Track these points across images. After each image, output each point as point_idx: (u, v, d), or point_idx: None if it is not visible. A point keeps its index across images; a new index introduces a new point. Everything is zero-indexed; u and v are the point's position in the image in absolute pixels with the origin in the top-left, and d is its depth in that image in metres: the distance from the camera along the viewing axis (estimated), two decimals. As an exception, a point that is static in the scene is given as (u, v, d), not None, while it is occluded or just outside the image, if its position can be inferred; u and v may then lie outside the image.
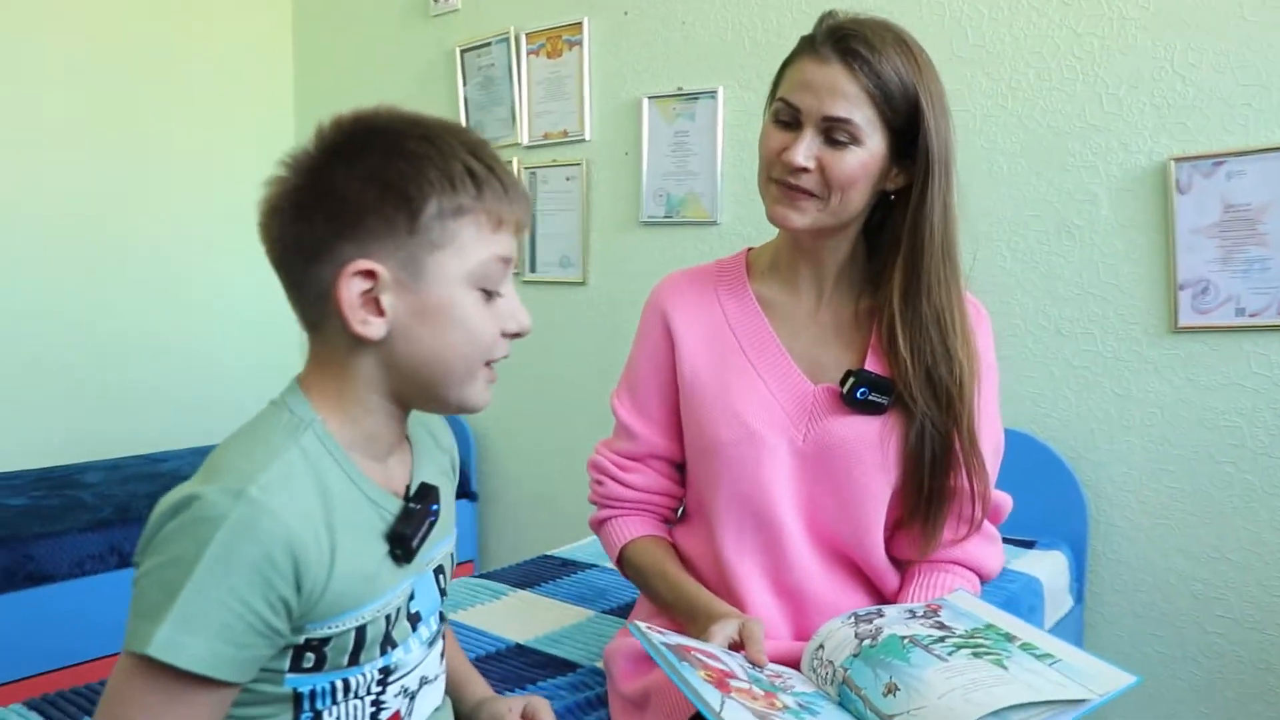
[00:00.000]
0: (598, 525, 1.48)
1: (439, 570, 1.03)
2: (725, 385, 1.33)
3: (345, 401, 0.91)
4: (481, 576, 2.06)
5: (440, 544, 1.02)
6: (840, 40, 1.20)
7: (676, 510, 1.47)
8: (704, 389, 1.35)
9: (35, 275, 3.27)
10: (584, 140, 3.11)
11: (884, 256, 1.29)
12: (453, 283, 0.88)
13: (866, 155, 1.21)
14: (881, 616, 1.17)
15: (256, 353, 3.80)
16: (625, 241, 3.05)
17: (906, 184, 1.26)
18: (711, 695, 0.95)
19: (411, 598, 0.96)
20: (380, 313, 0.87)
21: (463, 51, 3.38)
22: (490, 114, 3.34)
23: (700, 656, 1.07)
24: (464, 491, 3.24)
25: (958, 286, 1.26)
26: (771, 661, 1.16)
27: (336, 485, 0.88)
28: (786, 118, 1.24)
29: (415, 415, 1.04)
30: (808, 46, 1.24)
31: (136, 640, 0.78)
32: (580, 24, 3.05)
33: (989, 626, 1.14)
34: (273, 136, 3.88)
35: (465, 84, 3.40)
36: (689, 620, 1.28)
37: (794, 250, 1.35)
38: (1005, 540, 1.56)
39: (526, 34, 3.20)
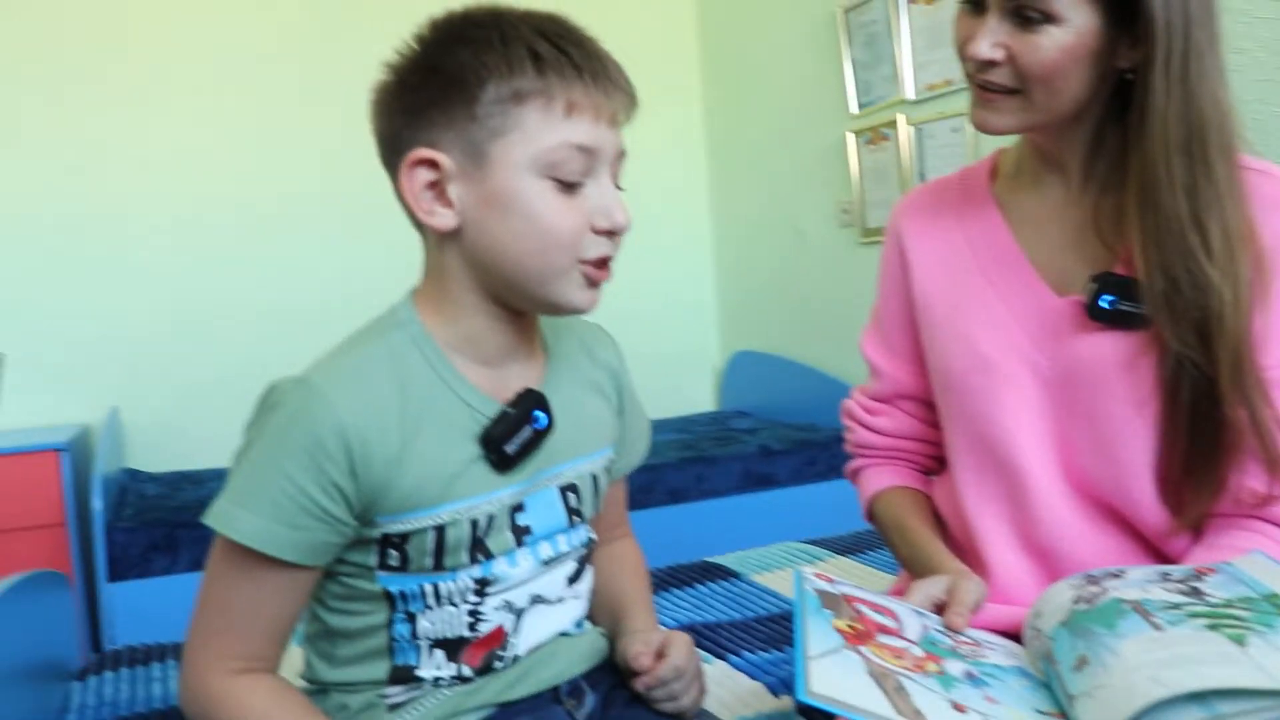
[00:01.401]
0: (851, 476, 1.33)
1: (570, 488, 0.97)
2: (958, 307, 1.14)
3: (443, 302, 0.90)
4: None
5: (572, 461, 0.97)
6: None
7: (936, 457, 1.28)
8: (936, 314, 1.17)
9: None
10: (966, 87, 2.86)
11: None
12: (518, 170, 0.84)
13: (1069, 34, 0.97)
14: (1117, 578, 0.93)
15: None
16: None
17: (1145, 58, 0.98)
18: (818, 643, 0.81)
19: (521, 510, 0.92)
20: (449, 204, 0.85)
21: (845, 11, 3.26)
22: (875, 72, 3.19)
23: (867, 610, 0.92)
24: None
25: (1215, 189, 0.97)
26: (1006, 633, 0.98)
27: (421, 383, 0.87)
28: None
29: (567, 325, 1.02)
30: None
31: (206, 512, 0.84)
32: (956, -41, 2.82)
33: (1271, 597, 0.87)
34: (684, 115, 4.07)
35: (850, 44, 3.27)
36: (919, 579, 1.11)
37: (1031, 144, 1.12)
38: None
39: (904, -19, 3.02)
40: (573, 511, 0.97)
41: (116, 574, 2.46)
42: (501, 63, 0.83)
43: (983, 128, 1.06)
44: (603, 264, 0.88)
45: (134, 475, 3.14)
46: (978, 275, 1.13)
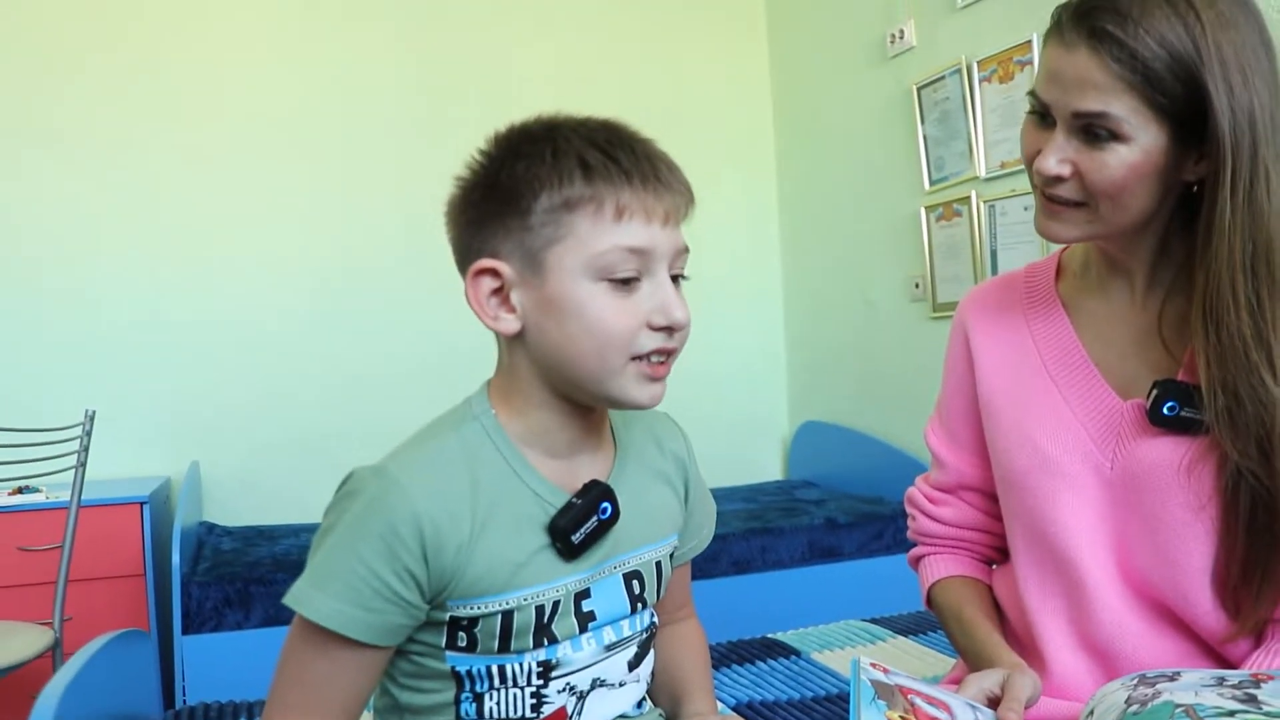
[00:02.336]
0: (913, 563, 1.35)
1: (634, 575, 1.00)
2: (1022, 406, 1.16)
3: (513, 397, 0.95)
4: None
5: (637, 550, 1.00)
6: (1086, 16, 0.98)
7: (998, 548, 1.29)
8: (1000, 411, 1.18)
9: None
10: (1040, 165, 2.87)
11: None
12: (572, 274, 0.87)
13: (1136, 153, 0.98)
14: (1171, 680, 0.93)
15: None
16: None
17: (1212, 172, 0.99)
18: None
19: (586, 596, 0.95)
20: (512, 309, 0.90)
21: (919, 88, 3.30)
22: (948, 149, 3.22)
23: (921, 702, 0.93)
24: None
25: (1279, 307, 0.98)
26: None
27: (493, 474, 0.91)
28: (1040, 109, 1.05)
29: (636, 415, 1.05)
30: (1054, 27, 1.03)
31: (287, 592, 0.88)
32: (1029, 42, 2.85)
33: (1333, 710, 0.87)
34: (758, 186, 4.17)
35: (923, 121, 3.31)
36: (973, 670, 1.12)
37: (1098, 248, 1.14)
38: None
39: (978, 61, 3.05)
40: (636, 598, 1.00)
41: (190, 627, 2.54)
42: (552, 174, 0.87)
43: (1049, 237, 1.08)
44: (661, 360, 0.91)
45: (210, 528, 3.22)
46: (1043, 376, 1.15)
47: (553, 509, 0.92)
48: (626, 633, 0.99)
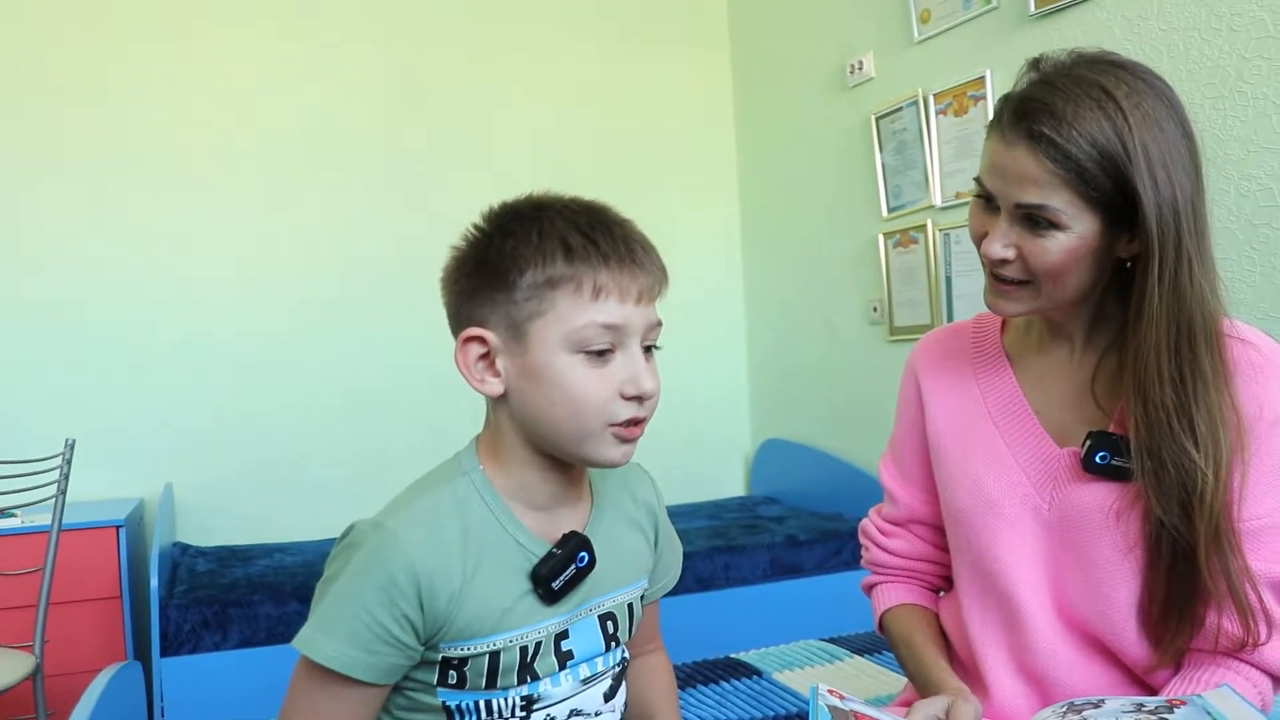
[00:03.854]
0: (866, 590, 1.44)
1: (609, 616, 1.09)
2: (968, 449, 1.26)
3: (499, 453, 1.04)
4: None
5: (611, 593, 1.09)
6: (1024, 117, 1.07)
7: (946, 577, 1.39)
8: (947, 453, 1.28)
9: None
10: (992, 196, 2.99)
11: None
12: (551, 347, 0.96)
13: (1073, 239, 1.08)
14: (1096, 707, 1.03)
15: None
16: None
17: (1141, 252, 1.09)
18: None
19: (565, 637, 1.04)
20: (497, 373, 0.99)
21: (878, 119, 3.42)
22: (905, 178, 3.33)
23: None
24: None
25: (1202, 380, 1.07)
26: None
27: (481, 526, 1.00)
28: (985, 195, 1.15)
29: (614, 470, 1.13)
30: (995, 122, 1.13)
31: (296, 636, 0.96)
32: (983, 78, 2.97)
33: (1235, 733, 0.96)
34: (721, 209, 4.29)
35: (882, 150, 3.42)
36: (921, 694, 1.22)
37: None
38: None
39: (934, 94, 3.17)
40: (610, 637, 1.09)
41: (169, 649, 2.58)
42: (537, 255, 0.96)
43: (999, 313, 1.19)
44: (632, 424, 0.99)
45: (184, 549, 3.27)
46: (988, 423, 1.25)
47: (535, 558, 1.01)
48: (601, 668, 1.09)
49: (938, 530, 1.36)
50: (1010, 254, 1.12)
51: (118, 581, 2.86)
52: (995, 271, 1.15)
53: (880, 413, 3.40)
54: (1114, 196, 1.05)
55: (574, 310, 0.96)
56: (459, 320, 1.01)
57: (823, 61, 3.73)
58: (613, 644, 1.09)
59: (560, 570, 1.01)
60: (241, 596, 2.68)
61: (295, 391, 3.62)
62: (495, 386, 0.99)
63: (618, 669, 1.12)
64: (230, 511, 3.53)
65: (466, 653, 0.98)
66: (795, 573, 3.16)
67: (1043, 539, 1.19)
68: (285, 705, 0.99)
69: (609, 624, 1.09)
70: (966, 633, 1.25)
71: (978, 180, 1.15)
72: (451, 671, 0.99)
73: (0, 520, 2.85)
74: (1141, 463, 1.08)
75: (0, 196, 3.32)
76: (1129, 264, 1.13)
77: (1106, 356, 1.19)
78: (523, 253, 0.96)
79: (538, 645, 1.02)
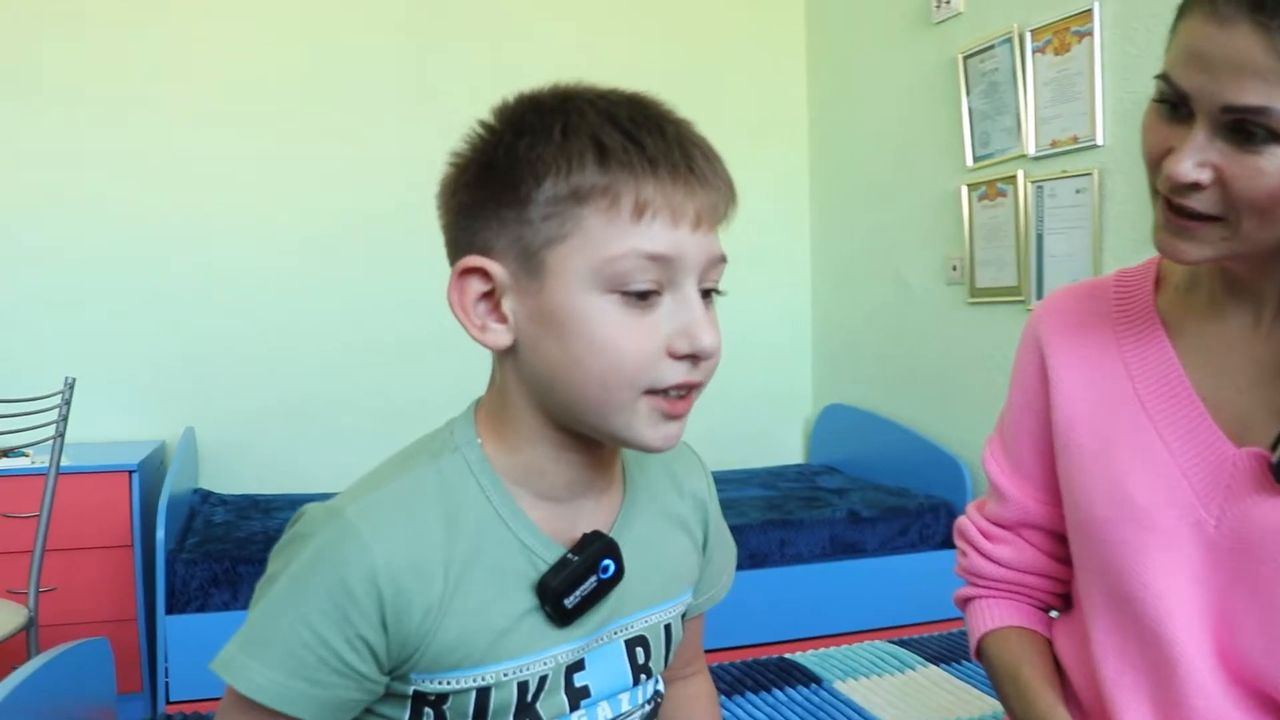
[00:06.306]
0: (960, 604, 1.18)
1: (638, 641, 0.84)
2: (1108, 443, 0.98)
3: (503, 426, 0.78)
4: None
5: (643, 611, 0.84)
6: None
7: (1062, 594, 1.12)
8: (1079, 446, 1.00)
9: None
10: (1095, 146, 2.68)
11: None
12: (577, 282, 0.70)
13: None
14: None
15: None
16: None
17: None
18: None
19: (580, 668, 0.79)
20: (503, 319, 0.74)
21: (965, 58, 3.10)
22: (995, 124, 3.03)
23: None
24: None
25: None
26: None
27: (474, 519, 0.75)
28: (1172, 99, 0.84)
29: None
30: None
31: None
32: (1090, 11, 2.64)
33: None
34: (789, 155, 4.00)
35: (969, 93, 3.11)
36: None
37: (1218, 264, 0.95)
38: None
39: (1031, 30, 2.85)
40: (639, 669, 0.84)
41: (175, 606, 2.40)
42: (560, 156, 0.70)
43: (1174, 258, 0.88)
44: (682, 394, 0.74)
45: (205, 496, 3.09)
46: (1136, 409, 0.97)
47: (544, 565, 0.76)
48: (626, 707, 0.84)
49: (1055, 538, 1.09)
50: (1205, 176, 0.82)
51: (130, 529, 2.69)
52: (1178, 201, 0.84)
53: (956, 381, 3.13)
54: None
55: (608, 234, 0.70)
56: (455, 247, 0.76)
57: (907, -7, 3.41)
58: (642, 676, 0.84)
59: (577, 583, 0.76)
60: (255, 553, 2.48)
61: (326, 335, 3.42)
62: (500, 335, 0.74)
63: (648, 707, 0.86)
64: (256, 457, 3.35)
65: (446, 688, 0.74)
66: (856, 552, 2.90)
67: (1207, 564, 0.92)
68: None
69: (638, 651, 0.84)
70: (1097, 674, 0.99)
71: (1163, 78, 0.84)
72: (428, 710, 0.75)
73: (9, 459, 2.68)
74: None
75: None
76: None
77: None
78: (541, 154, 0.70)
79: (543, 679, 0.77)
